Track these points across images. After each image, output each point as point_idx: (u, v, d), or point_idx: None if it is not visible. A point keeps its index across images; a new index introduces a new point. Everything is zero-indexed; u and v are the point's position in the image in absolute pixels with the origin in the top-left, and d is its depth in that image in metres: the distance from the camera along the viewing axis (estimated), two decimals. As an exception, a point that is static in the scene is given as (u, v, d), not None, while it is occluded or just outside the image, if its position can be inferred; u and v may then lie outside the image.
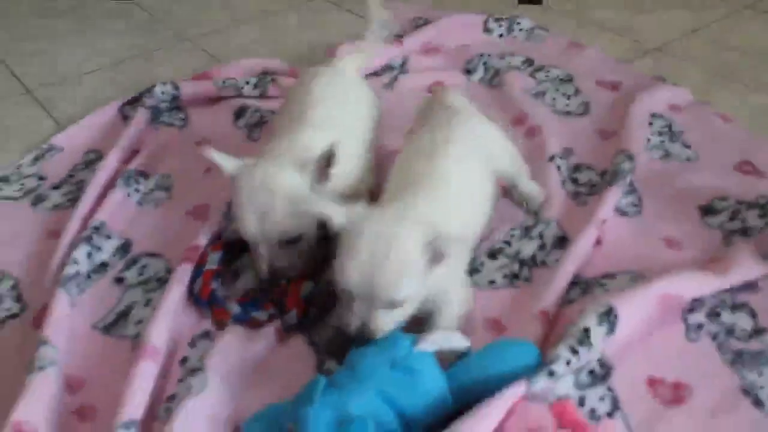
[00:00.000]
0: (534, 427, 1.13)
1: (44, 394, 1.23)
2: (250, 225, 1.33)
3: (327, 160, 1.34)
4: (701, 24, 2.35)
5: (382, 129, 1.75)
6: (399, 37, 2.25)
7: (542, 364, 1.21)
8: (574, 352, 1.22)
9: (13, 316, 1.45)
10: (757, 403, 1.23)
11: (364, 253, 1.17)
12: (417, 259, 1.18)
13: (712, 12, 2.41)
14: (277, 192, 1.32)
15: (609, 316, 1.28)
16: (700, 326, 1.36)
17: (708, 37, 2.29)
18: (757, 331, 1.34)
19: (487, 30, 2.31)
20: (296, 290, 1.37)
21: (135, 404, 1.20)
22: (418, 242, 1.18)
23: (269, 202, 1.31)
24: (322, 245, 1.38)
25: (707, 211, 1.62)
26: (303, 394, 1.15)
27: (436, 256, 1.19)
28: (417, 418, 1.15)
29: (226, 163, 1.36)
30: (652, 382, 1.27)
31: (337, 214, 1.21)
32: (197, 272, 1.44)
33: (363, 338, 1.20)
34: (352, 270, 1.17)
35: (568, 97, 2.01)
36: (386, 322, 1.21)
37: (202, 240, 1.50)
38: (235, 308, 1.37)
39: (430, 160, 1.40)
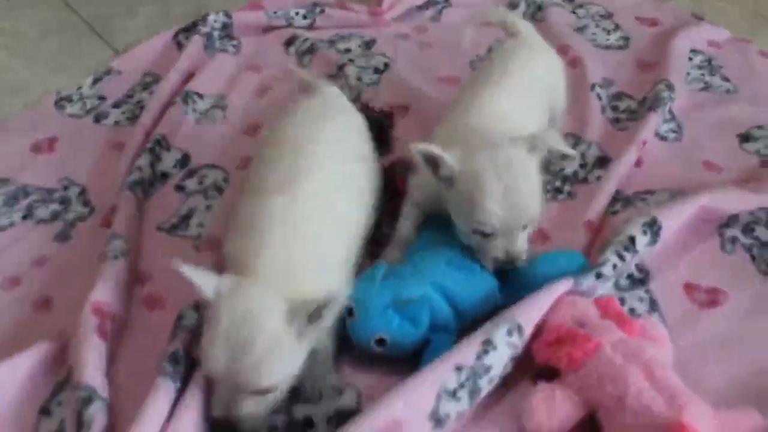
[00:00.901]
0: (578, 316, 1.18)
1: (117, 280, 1.31)
2: (217, 364, 1.01)
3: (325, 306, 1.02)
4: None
5: (432, 60, 1.82)
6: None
7: (590, 267, 1.26)
8: (621, 257, 1.28)
9: (82, 218, 1.53)
10: (790, 309, 1.29)
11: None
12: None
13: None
14: (260, 334, 1.01)
15: (653, 227, 1.33)
16: (734, 239, 1.41)
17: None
18: (789, 245, 1.39)
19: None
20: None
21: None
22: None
23: (247, 345, 1.00)
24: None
25: (745, 138, 1.67)
26: (364, 277, 1.22)
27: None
28: (467, 311, 1.22)
29: (203, 281, 1.04)
30: (689, 288, 1.33)
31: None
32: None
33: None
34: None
35: (608, 32, 2.05)
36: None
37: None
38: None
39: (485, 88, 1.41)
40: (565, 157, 1.47)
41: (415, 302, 1.18)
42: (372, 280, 1.20)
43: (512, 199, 1.18)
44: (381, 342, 1.17)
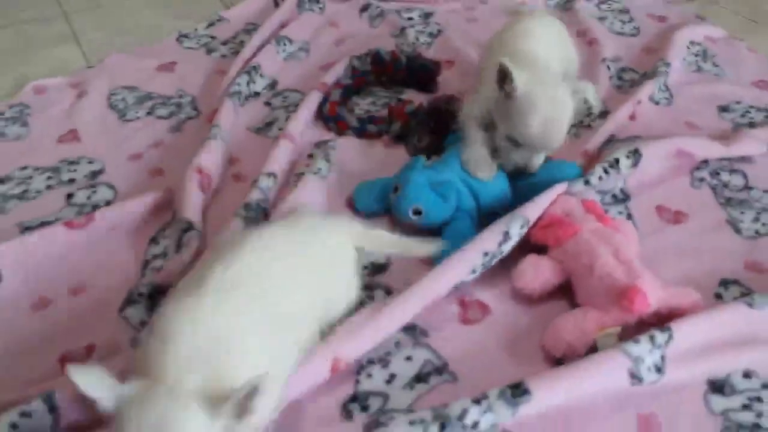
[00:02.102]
0: (567, 209, 1.28)
1: (215, 154, 1.47)
2: None
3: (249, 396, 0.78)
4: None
5: (475, 31, 1.96)
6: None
7: (581, 176, 1.37)
8: (606, 172, 1.38)
9: (191, 117, 1.68)
10: (737, 231, 1.38)
11: None
12: None
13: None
14: None
15: (635, 154, 1.42)
16: (702, 179, 1.50)
17: (748, -8, 2.35)
18: (746, 188, 1.48)
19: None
20: (401, 108, 1.56)
21: (275, 163, 1.44)
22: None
23: None
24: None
25: (724, 109, 1.74)
26: (406, 166, 1.34)
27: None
28: (485, 202, 1.33)
29: (100, 392, 0.76)
30: (659, 209, 1.42)
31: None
32: (323, 100, 1.64)
33: None
34: None
35: (623, 23, 2.12)
36: None
37: (328, 80, 1.71)
38: (353, 122, 1.57)
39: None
40: (589, 108, 1.58)
41: (446, 183, 1.29)
42: (414, 166, 1.32)
43: (549, 127, 1.27)
44: (417, 212, 1.28)
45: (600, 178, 1.37)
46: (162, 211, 1.36)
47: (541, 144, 1.30)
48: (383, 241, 1.18)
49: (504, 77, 1.28)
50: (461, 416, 0.95)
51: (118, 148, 1.56)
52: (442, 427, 0.94)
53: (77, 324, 1.16)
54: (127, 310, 1.15)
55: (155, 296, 1.16)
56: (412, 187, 1.28)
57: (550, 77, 1.35)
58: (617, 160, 1.39)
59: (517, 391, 0.99)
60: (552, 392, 1.00)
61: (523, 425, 0.99)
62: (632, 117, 1.66)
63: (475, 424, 0.96)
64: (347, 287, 1.10)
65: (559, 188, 1.32)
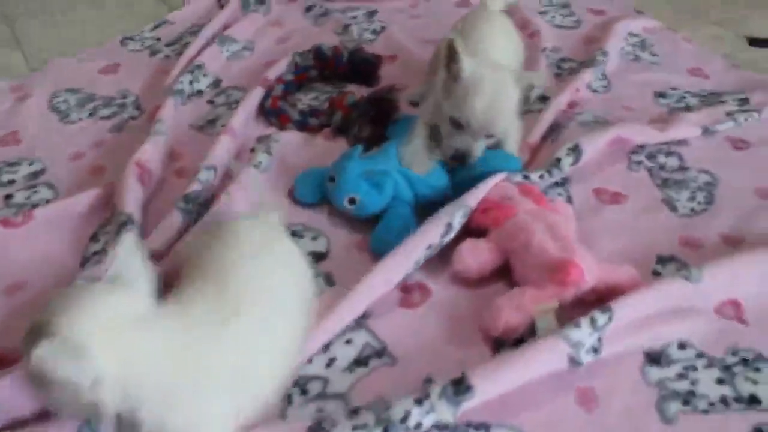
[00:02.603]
0: (504, 194, 1.29)
1: (157, 149, 1.46)
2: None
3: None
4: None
5: (418, 27, 1.98)
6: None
7: (520, 169, 1.38)
8: (549, 173, 1.39)
9: (133, 117, 1.66)
10: (673, 209, 1.39)
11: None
12: None
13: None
14: None
15: (575, 150, 1.44)
16: (639, 162, 1.51)
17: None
18: (681, 168, 1.50)
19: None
20: (342, 99, 1.55)
21: (215, 157, 1.43)
22: None
23: None
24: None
25: (661, 95, 1.76)
26: (343, 155, 1.34)
27: None
28: (423, 193, 1.33)
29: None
30: (597, 191, 1.43)
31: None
32: (265, 95, 1.63)
33: None
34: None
35: (564, 17, 2.15)
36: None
37: (271, 75, 1.70)
38: (295, 115, 1.56)
39: None
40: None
41: (381, 173, 1.29)
42: (350, 156, 1.32)
43: (491, 108, 1.28)
44: (352, 201, 1.28)
45: (541, 176, 1.38)
46: (103, 209, 1.35)
47: (483, 126, 1.30)
48: None
49: (452, 56, 1.30)
50: (404, 418, 0.94)
51: (60, 149, 1.54)
52: (386, 430, 0.93)
53: (13, 322, 1.13)
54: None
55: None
56: (347, 177, 1.28)
57: (495, 63, 1.37)
58: (558, 160, 1.41)
59: (460, 389, 0.97)
60: (493, 384, 0.99)
61: (462, 415, 0.98)
62: (571, 105, 1.67)
63: (418, 425, 0.95)
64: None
65: (499, 176, 1.32)
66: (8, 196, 1.39)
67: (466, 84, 1.29)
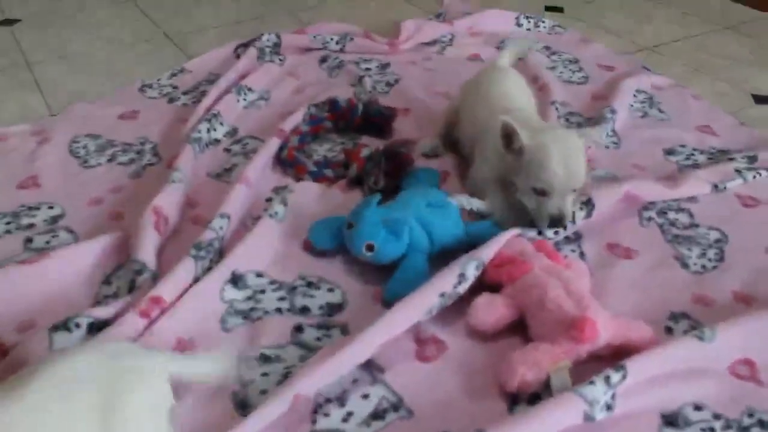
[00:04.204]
0: (518, 249, 1.29)
1: (174, 196, 1.47)
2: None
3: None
4: (688, 35, 2.48)
5: (431, 80, 2.01)
6: (450, 20, 2.44)
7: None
8: (559, 228, 1.40)
9: (151, 164, 1.68)
10: (684, 265, 1.40)
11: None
12: None
13: (699, 27, 2.55)
14: None
15: (588, 204, 1.45)
16: (650, 218, 1.52)
17: (691, 44, 2.43)
18: (692, 225, 1.51)
19: (518, 24, 2.47)
20: (357, 152, 1.57)
21: (229, 206, 1.44)
22: None
23: None
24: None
25: (670, 152, 1.78)
26: (360, 204, 1.35)
27: None
28: (440, 241, 1.34)
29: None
30: (610, 246, 1.44)
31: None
32: (281, 146, 1.65)
33: None
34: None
35: (573, 72, 2.17)
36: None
37: (287, 127, 1.72)
38: (311, 166, 1.58)
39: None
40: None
41: (399, 221, 1.29)
42: (368, 204, 1.33)
43: (569, 165, 1.31)
44: (370, 248, 1.28)
45: (555, 232, 1.39)
46: (118, 253, 1.35)
47: (567, 185, 1.32)
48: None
49: (509, 136, 1.33)
50: None
51: (79, 194, 1.55)
52: None
53: (21, 360, 1.11)
54: (57, 333, 1.13)
55: (93, 332, 1.15)
56: (365, 224, 1.29)
57: (540, 123, 1.41)
58: (573, 214, 1.41)
59: (479, 448, 0.96)
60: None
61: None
62: (584, 160, 1.68)
63: None
64: None
65: (513, 232, 1.33)
66: (28, 240, 1.40)
67: (533, 153, 1.32)
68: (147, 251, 1.30)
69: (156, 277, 1.26)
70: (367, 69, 2.13)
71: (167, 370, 0.93)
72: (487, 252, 1.26)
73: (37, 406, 0.81)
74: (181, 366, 0.99)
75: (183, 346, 1.16)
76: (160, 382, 0.91)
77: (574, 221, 1.40)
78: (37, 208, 1.50)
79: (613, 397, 1.06)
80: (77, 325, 1.13)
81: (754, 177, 1.64)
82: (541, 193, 1.33)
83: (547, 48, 2.33)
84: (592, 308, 1.14)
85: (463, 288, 1.21)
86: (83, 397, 0.83)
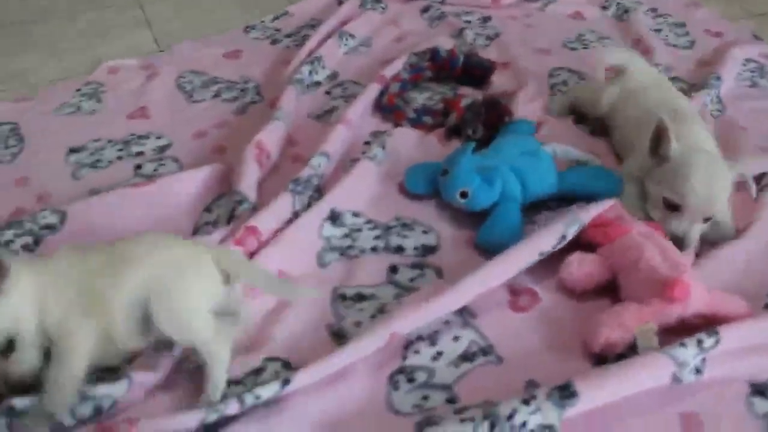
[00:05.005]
0: (618, 214, 1.25)
1: (276, 133, 1.50)
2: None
3: None
4: (802, 4, 2.37)
5: (531, 36, 1.99)
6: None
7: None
8: None
9: (254, 102, 1.71)
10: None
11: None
12: None
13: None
14: None
15: None
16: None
17: (804, 13, 2.31)
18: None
19: (624, -17, 2.38)
20: (458, 101, 1.56)
21: (329, 145, 1.46)
22: None
23: None
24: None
25: (777, 123, 1.70)
26: (455, 151, 1.35)
27: None
28: (532, 190, 1.33)
29: None
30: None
31: None
32: (381, 92, 1.66)
33: None
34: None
35: (679, 36, 2.09)
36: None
37: (387, 73, 1.72)
38: (410, 113, 1.58)
39: None
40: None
41: (492, 169, 1.29)
42: (463, 152, 1.33)
43: (709, 186, 1.21)
44: (464, 195, 1.29)
45: None
46: (220, 183, 1.40)
47: (702, 207, 1.22)
48: (262, 278, 1.11)
49: (660, 138, 1.27)
50: (510, 416, 0.95)
51: (185, 126, 1.61)
52: (492, 426, 0.94)
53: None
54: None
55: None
56: (460, 171, 1.29)
57: (697, 145, 1.32)
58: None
59: (565, 393, 0.97)
60: (598, 394, 0.99)
61: (566, 422, 0.98)
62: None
63: (524, 424, 0.95)
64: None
65: (613, 200, 1.29)
66: (138, 167, 1.46)
67: (678, 165, 1.24)
68: (248, 183, 1.34)
69: (255, 209, 1.29)
70: (468, 21, 2.10)
71: (224, 267, 1.04)
72: (589, 214, 1.24)
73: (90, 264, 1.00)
74: (241, 268, 1.08)
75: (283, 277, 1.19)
76: (205, 273, 1.02)
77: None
78: (147, 138, 1.57)
79: (703, 361, 1.04)
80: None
81: None
82: (672, 207, 1.24)
83: (653, 10, 2.24)
84: (688, 274, 1.12)
85: (561, 246, 1.20)
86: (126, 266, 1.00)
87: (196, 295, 1.00)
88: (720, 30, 2.14)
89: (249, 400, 0.96)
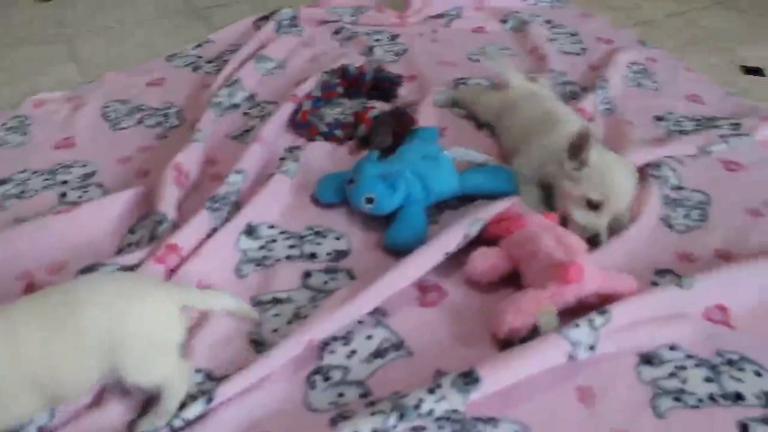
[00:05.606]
0: (516, 210, 1.29)
1: (194, 154, 1.49)
2: None
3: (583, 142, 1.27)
4: (682, 10, 2.45)
5: (437, 50, 1.99)
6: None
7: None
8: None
9: (176, 126, 1.69)
10: (670, 226, 1.39)
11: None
12: None
13: (690, 4, 2.51)
14: None
15: None
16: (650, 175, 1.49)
17: (684, 19, 2.40)
18: (677, 188, 1.50)
19: (522, -1, 2.44)
20: (365, 113, 1.58)
21: (245, 162, 1.45)
22: None
23: None
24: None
25: (659, 118, 1.76)
26: (361, 159, 1.36)
27: None
28: (434, 192, 1.34)
29: None
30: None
31: None
32: (295, 110, 1.66)
33: None
34: None
35: (572, 44, 2.15)
36: None
37: (300, 92, 1.72)
38: (323, 127, 1.58)
39: None
40: None
41: (396, 175, 1.30)
42: (367, 160, 1.34)
43: (626, 186, 1.30)
44: (370, 201, 1.29)
45: None
46: (143, 206, 1.38)
47: (620, 205, 1.29)
48: (214, 301, 1.06)
49: (583, 144, 1.29)
50: (417, 405, 0.96)
51: (109, 153, 1.58)
52: (401, 416, 0.94)
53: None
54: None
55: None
56: (364, 179, 1.29)
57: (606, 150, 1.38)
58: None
59: (468, 379, 0.99)
60: (500, 377, 1.01)
61: (469, 405, 0.99)
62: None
63: (430, 412, 0.96)
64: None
65: (513, 199, 1.33)
66: (63, 194, 1.43)
67: (600, 168, 1.28)
68: (168, 204, 1.32)
69: (176, 227, 1.28)
70: (377, 40, 2.12)
71: (178, 301, 0.95)
72: (489, 213, 1.27)
73: (45, 316, 0.86)
74: (193, 297, 1.02)
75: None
76: (168, 311, 0.93)
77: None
78: (72, 166, 1.53)
79: (596, 339, 1.07)
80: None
81: (737, 142, 1.63)
82: (594, 205, 1.29)
83: (549, 22, 2.29)
84: (581, 257, 1.15)
85: (464, 244, 1.22)
86: (89, 314, 0.86)
87: (164, 340, 0.94)
88: (610, 37, 2.21)
89: (177, 423, 0.95)
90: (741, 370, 1.08)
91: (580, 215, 1.29)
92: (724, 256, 1.31)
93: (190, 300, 1.00)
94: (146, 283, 0.97)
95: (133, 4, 2.42)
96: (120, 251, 1.27)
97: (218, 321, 1.12)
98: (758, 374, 1.08)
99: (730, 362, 1.09)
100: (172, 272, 1.18)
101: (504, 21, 2.28)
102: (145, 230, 1.29)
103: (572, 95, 1.83)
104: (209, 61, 1.99)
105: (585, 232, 1.26)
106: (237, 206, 1.35)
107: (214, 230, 1.27)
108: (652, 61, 2.07)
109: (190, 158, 1.45)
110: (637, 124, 1.71)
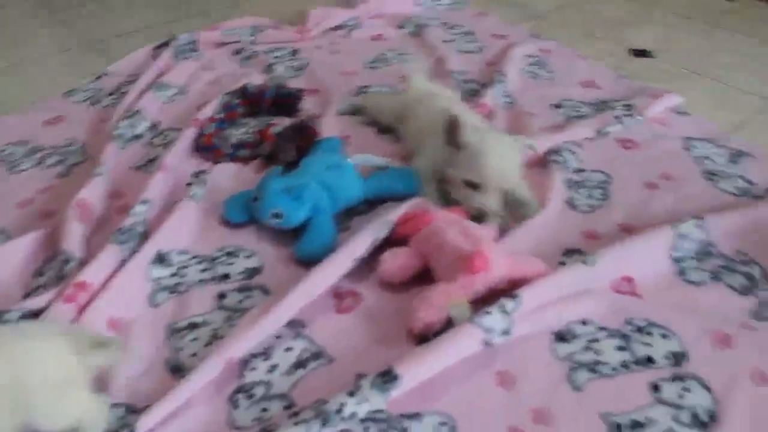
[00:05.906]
0: (423, 207, 1.33)
1: (98, 189, 1.46)
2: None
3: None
4: (571, 2, 2.56)
5: (338, 62, 2.03)
6: (354, 5, 2.45)
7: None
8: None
9: (78, 163, 1.65)
10: (574, 207, 1.45)
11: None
12: None
13: (581, -5, 2.63)
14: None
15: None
16: (554, 161, 1.57)
17: (576, 8, 2.51)
18: (578, 170, 1.57)
19: (417, 4, 2.50)
20: (267, 130, 1.59)
21: (150, 192, 1.43)
22: None
23: None
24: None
25: (557, 105, 1.84)
26: (265, 176, 1.36)
27: None
28: (340, 199, 1.36)
29: None
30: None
31: None
32: (199, 134, 1.65)
33: None
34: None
35: (469, 42, 2.22)
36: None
37: (202, 116, 1.72)
38: (228, 149, 1.58)
39: None
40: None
41: (301, 187, 1.31)
42: (271, 176, 1.34)
43: (503, 163, 1.31)
44: (277, 216, 1.30)
45: None
46: (49, 247, 1.34)
47: (498, 183, 1.31)
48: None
49: (455, 129, 1.33)
50: (339, 410, 0.97)
51: (9, 197, 1.52)
52: (324, 422, 0.96)
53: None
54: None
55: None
56: (269, 194, 1.30)
57: (486, 128, 1.43)
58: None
59: (387, 378, 1.01)
60: (418, 371, 1.03)
61: (391, 403, 1.02)
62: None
63: (353, 415, 0.98)
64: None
65: (418, 198, 1.37)
66: (-40, 245, 1.37)
67: (473, 150, 1.31)
68: (73, 242, 1.29)
69: (83, 264, 1.25)
70: (277, 57, 2.13)
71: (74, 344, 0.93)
72: (396, 213, 1.30)
73: None
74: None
75: (116, 326, 1.16)
76: (67, 355, 0.92)
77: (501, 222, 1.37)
78: (-31, 216, 1.47)
79: (510, 323, 1.11)
80: (8, 320, 1.13)
81: (631, 122, 1.73)
82: (473, 186, 1.32)
83: (445, 23, 2.36)
84: (486, 245, 1.18)
85: (374, 247, 1.25)
86: None
87: (70, 380, 0.92)
88: (504, 33, 2.28)
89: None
90: (649, 334, 1.14)
91: (464, 196, 1.34)
92: (627, 230, 1.37)
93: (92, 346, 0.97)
94: (45, 329, 0.96)
95: (27, 43, 2.35)
96: (27, 295, 1.23)
97: (135, 351, 1.11)
98: (665, 336, 1.14)
99: (639, 329, 1.15)
100: (82, 310, 1.16)
101: (402, 27, 2.33)
102: (52, 271, 1.26)
103: (473, 92, 1.88)
104: (109, 94, 1.96)
105: (472, 211, 1.30)
106: (145, 236, 1.33)
107: (123, 263, 1.25)
108: (547, 53, 2.16)
109: (93, 193, 1.42)
110: (536, 113, 1.77)
